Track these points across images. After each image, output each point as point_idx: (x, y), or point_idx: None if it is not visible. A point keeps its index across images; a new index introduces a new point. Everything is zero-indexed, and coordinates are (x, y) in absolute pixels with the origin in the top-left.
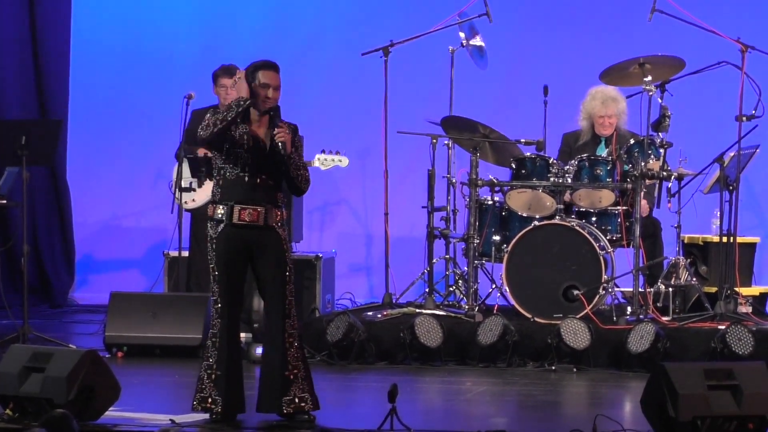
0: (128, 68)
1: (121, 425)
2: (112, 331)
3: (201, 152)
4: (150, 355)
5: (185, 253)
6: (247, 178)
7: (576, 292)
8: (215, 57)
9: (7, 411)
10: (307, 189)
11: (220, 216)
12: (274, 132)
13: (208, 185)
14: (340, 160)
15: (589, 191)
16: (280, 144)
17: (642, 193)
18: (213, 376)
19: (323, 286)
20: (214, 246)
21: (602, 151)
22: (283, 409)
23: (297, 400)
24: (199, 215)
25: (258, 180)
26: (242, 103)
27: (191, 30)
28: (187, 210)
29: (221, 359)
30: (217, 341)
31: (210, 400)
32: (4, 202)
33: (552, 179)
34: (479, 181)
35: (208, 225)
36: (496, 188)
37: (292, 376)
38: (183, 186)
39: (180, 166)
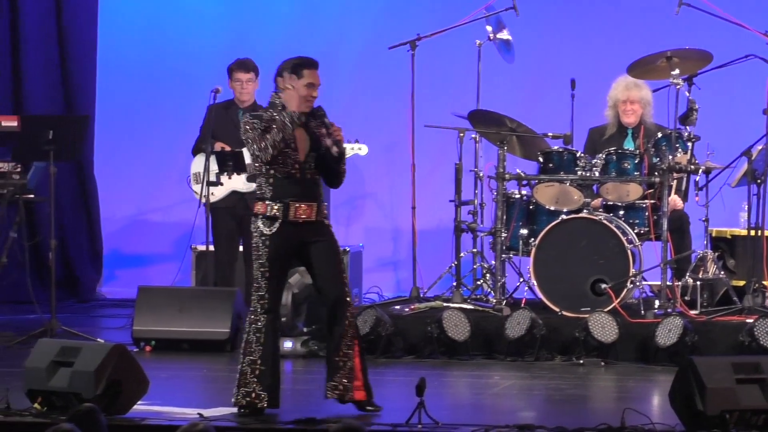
0: (155, 63)
1: (149, 419)
2: (140, 325)
3: (218, 146)
4: (177, 350)
5: (212, 248)
6: (298, 175)
7: (604, 285)
8: (242, 51)
9: (36, 405)
10: (343, 181)
11: (275, 213)
12: (330, 130)
13: (233, 179)
14: (360, 149)
15: (616, 185)
16: (334, 145)
17: (673, 187)
18: (257, 371)
19: (350, 281)
20: (267, 243)
21: (629, 145)
22: (326, 393)
23: (341, 388)
24: (218, 210)
25: (308, 176)
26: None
27: (218, 24)
28: (206, 205)
29: (266, 354)
30: (261, 336)
31: (254, 394)
32: (32, 197)
33: (579, 173)
34: (506, 175)
35: (259, 222)
36: (524, 182)
37: (341, 363)
38: (210, 180)
39: (207, 160)
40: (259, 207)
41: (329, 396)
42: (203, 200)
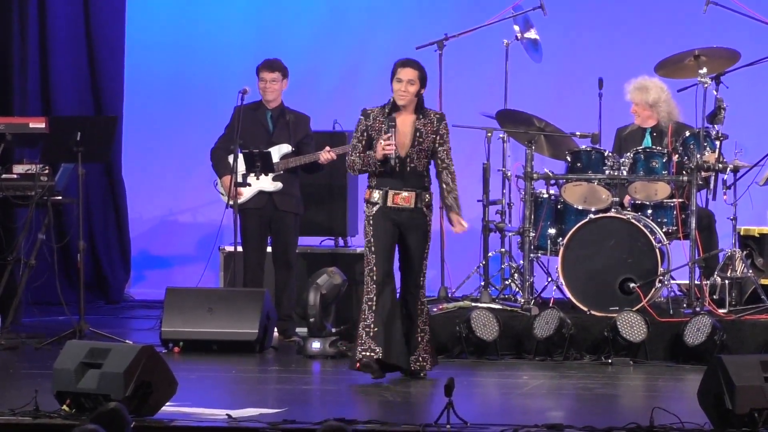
0: (182, 64)
1: (177, 420)
2: (169, 326)
3: None
4: (206, 351)
5: (240, 249)
6: (398, 168)
7: (632, 285)
8: (270, 51)
9: (64, 407)
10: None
11: (375, 200)
12: (387, 149)
13: (261, 179)
14: None
15: (645, 184)
16: (385, 155)
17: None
18: (371, 333)
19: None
20: (370, 222)
21: (647, 143)
22: (410, 365)
23: (420, 360)
24: (246, 211)
25: (404, 168)
26: (377, 165)
27: (245, 24)
28: (233, 207)
29: (379, 318)
30: (373, 305)
31: (370, 349)
32: (60, 198)
33: (607, 172)
34: (534, 175)
35: (365, 206)
36: (552, 181)
37: (420, 338)
38: (237, 181)
39: (235, 161)
40: (366, 194)
41: (414, 368)
42: (230, 201)
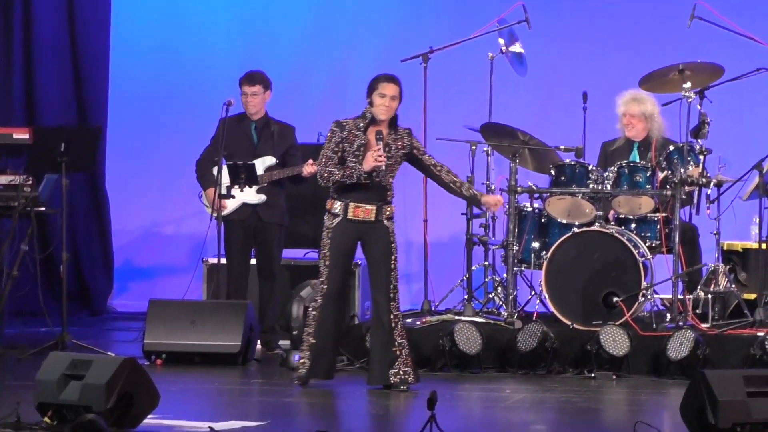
0: (167, 75)
1: None
2: (151, 338)
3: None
4: (189, 363)
5: (224, 261)
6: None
7: (615, 299)
8: (254, 64)
9: (46, 419)
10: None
11: (336, 211)
12: (380, 161)
13: (245, 192)
14: None
15: (628, 198)
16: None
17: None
18: (308, 343)
19: (362, 294)
20: (329, 234)
21: (634, 157)
22: (390, 380)
23: (402, 373)
24: (230, 222)
25: (373, 182)
26: (362, 179)
27: (230, 37)
28: (217, 218)
29: (320, 331)
30: (317, 314)
31: (303, 360)
32: (44, 209)
33: (591, 186)
34: (518, 188)
35: (326, 216)
36: (535, 195)
37: (398, 352)
38: (221, 193)
39: (219, 173)
40: (327, 204)
41: (393, 382)
42: (214, 213)
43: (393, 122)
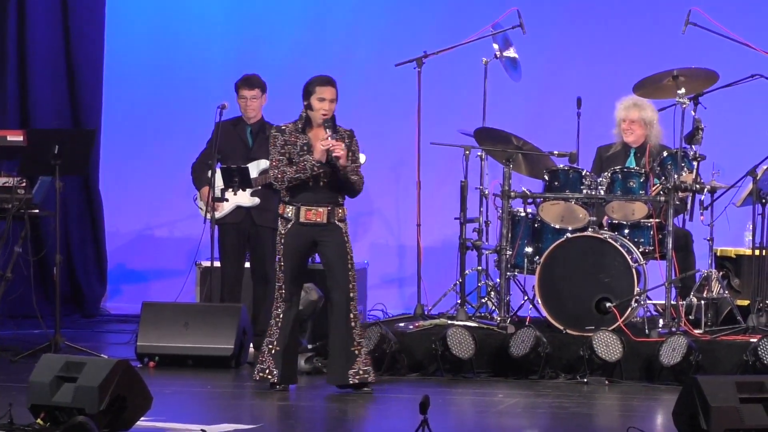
0: (161, 78)
1: None
2: (144, 341)
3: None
4: (182, 366)
5: (217, 264)
6: (310, 183)
7: (608, 304)
8: (248, 67)
9: (38, 421)
10: (359, 192)
11: (288, 215)
12: (332, 146)
13: (239, 194)
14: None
15: (622, 203)
16: (335, 159)
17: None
18: (273, 351)
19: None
20: (282, 240)
21: (631, 163)
22: (349, 380)
23: (362, 372)
24: (225, 225)
25: (316, 184)
26: (316, 168)
27: (224, 40)
28: (212, 221)
29: (282, 337)
30: (280, 321)
31: (268, 371)
32: (38, 211)
33: (585, 191)
34: (512, 193)
35: (279, 222)
36: (529, 200)
37: (357, 352)
38: (215, 196)
39: (212, 176)
40: (279, 209)
41: (351, 382)
42: (208, 216)
43: (333, 123)
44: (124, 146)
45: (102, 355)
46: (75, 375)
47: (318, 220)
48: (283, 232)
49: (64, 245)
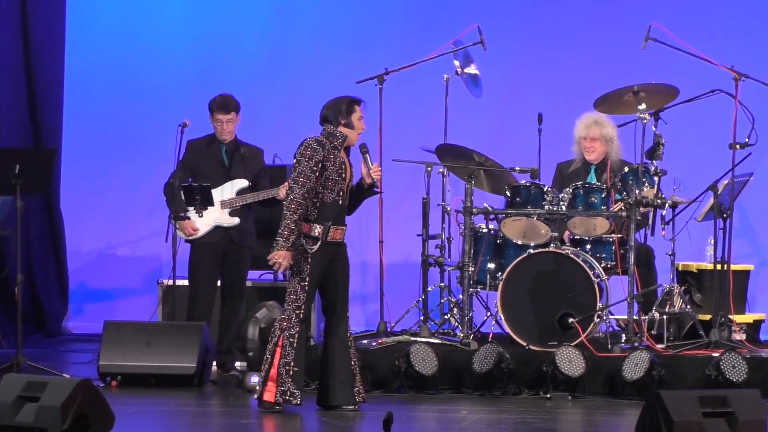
0: (122, 97)
1: None
2: (106, 360)
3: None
4: (145, 385)
5: (185, 283)
6: (340, 202)
7: (571, 319)
8: (210, 84)
9: None
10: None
11: (317, 234)
12: (371, 170)
13: (210, 214)
14: None
15: (584, 219)
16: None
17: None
18: (291, 372)
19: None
20: (309, 260)
21: (592, 179)
22: (355, 399)
23: (362, 392)
24: (200, 245)
25: (343, 203)
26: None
27: (185, 58)
28: (188, 241)
29: (299, 357)
30: (295, 342)
31: (289, 393)
32: None
33: (547, 207)
34: (474, 209)
35: (303, 241)
36: (491, 216)
37: (356, 370)
38: (180, 215)
39: (177, 194)
40: (304, 227)
41: (358, 401)
42: (186, 236)
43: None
44: (85, 165)
45: (64, 375)
46: (37, 395)
47: (340, 239)
48: (309, 252)
49: (25, 264)
